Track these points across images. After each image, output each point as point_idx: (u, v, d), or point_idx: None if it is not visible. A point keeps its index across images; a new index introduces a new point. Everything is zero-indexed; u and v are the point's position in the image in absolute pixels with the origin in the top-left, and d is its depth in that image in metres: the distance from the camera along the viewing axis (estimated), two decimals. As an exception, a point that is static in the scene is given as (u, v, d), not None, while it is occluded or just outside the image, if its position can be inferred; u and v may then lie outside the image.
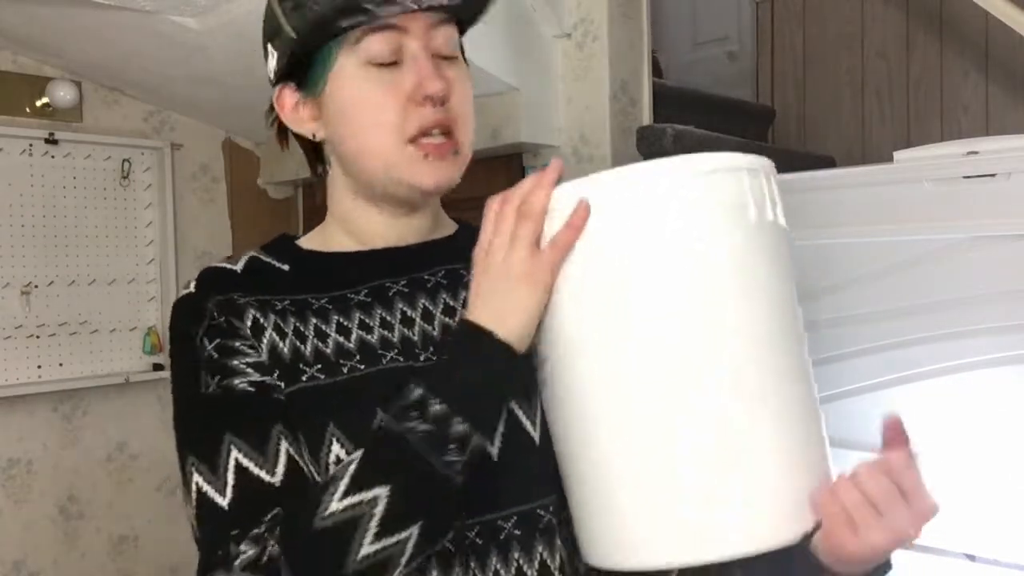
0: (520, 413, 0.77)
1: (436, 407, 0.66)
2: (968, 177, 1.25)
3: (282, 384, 0.73)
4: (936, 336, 1.34)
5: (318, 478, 0.70)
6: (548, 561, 0.76)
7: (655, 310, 0.65)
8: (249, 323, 0.74)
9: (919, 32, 2.34)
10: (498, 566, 0.74)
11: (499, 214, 0.70)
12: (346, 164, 0.80)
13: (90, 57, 2.25)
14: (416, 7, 0.73)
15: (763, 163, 0.71)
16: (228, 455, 0.69)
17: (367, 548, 0.64)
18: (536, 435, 0.77)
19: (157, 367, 2.48)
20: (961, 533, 1.30)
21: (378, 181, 0.78)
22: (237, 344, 0.73)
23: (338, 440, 0.71)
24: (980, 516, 1.28)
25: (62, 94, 2.32)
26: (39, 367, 2.33)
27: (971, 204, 1.26)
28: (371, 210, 0.81)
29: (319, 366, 0.74)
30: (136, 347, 2.51)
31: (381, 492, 0.64)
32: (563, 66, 1.97)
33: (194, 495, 0.70)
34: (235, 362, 0.72)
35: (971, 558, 1.31)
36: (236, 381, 0.72)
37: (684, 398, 0.65)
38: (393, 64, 0.75)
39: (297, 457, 0.71)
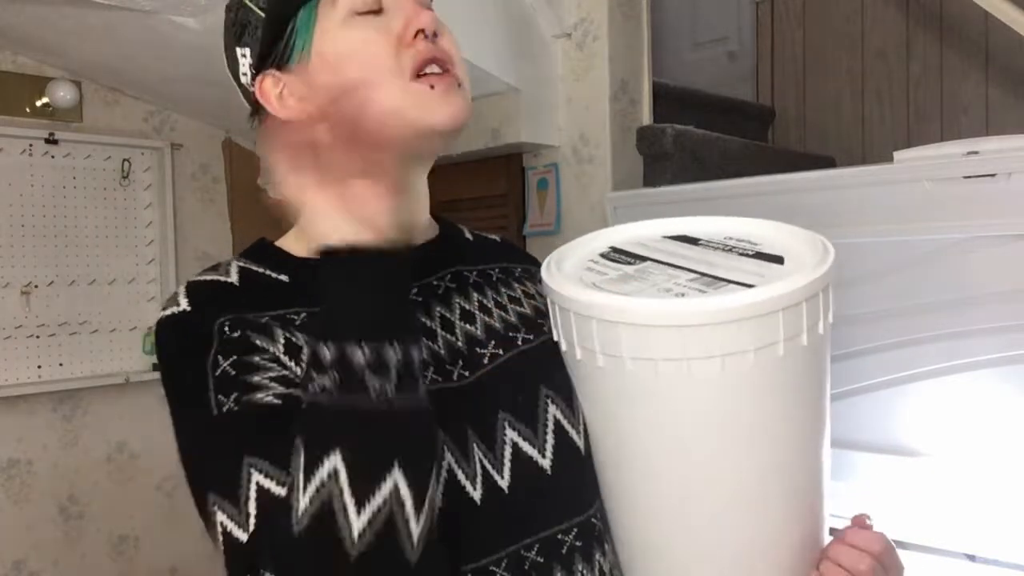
0: (566, 423, 0.76)
1: (327, 353, 0.57)
2: (968, 177, 1.25)
3: None
4: (936, 336, 1.34)
5: None
6: (603, 567, 0.75)
7: (681, 452, 0.70)
8: (282, 343, 0.68)
9: (919, 32, 2.34)
10: None
11: None
12: (352, 130, 0.68)
13: (90, 57, 2.25)
14: None
15: (828, 272, 0.69)
16: (249, 481, 0.60)
17: (357, 523, 0.55)
18: (581, 443, 0.76)
19: (158, 367, 2.48)
20: (961, 533, 1.30)
21: (391, 134, 0.69)
22: (257, 359, 0.66)
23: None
24: (980, 516, 1.28)
25: (62, 94, 2.32)
26: (39, 367, 2.33)
27: (971, 204, 1.26)
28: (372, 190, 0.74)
29: None
30: (136, 347, 2.51)
31: (335, 460, 0.56)
32: (563, 66, 1.97)
33: (220, 537, 0.61)
34: (257, 378, 0.64)
35: (971, 558, 1.31)
36: (259, 395, 0.63)
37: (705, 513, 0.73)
38: (376, 12, 0.73)
39: None
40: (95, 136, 2.42)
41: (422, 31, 0.72)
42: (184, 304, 0.70)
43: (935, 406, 1.35)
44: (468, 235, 0.90)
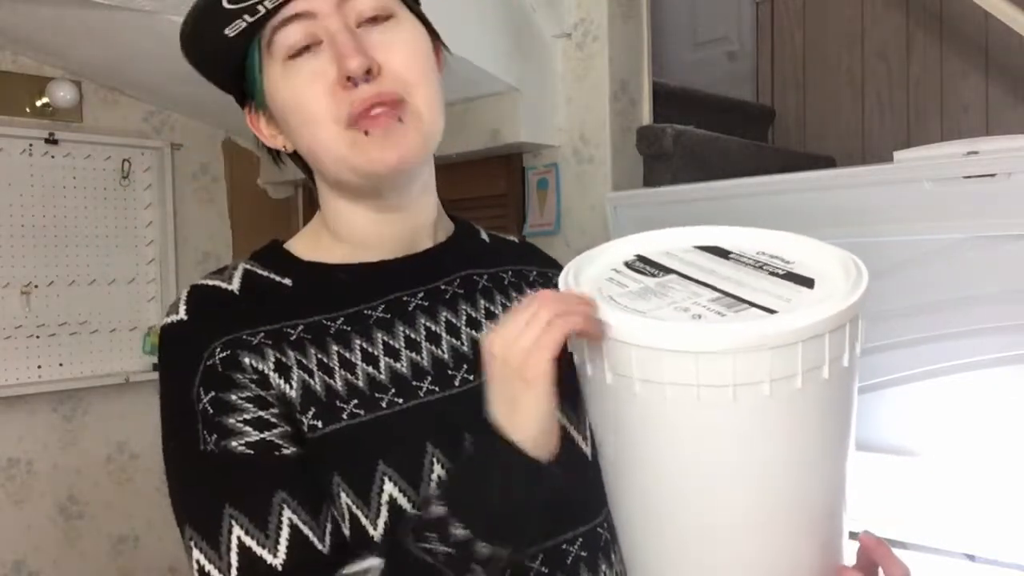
0: (572, 430, 0.75)
1: (458, 531, 0.61)
2: (968, 177, 1.25)
3: (319, 423, 0.68)
4: (936, 336, 1.34)
5: (363, 519, 0.67)
6: None
7: (697, 473, 0.68)
8: (272, 362, 0.69)
9: (919, 32, 2.34)
10: None
11: (525, 303, 0.63)
12: (314, 167, 0.76)
13: (90, 57, 2.25)
14: None
15: (856, 303, 0.64)
16: (230, 532, 0.64)
17: None
18: (588, 450, 0.75)
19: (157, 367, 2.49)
20: (961, 533, 1.30)
21: (341, 177, 0.73)
22: (234, 399, 0.67)
23: (391, 479, 0.67)
24: (980, 516, 1.28)
25: (62, 94, 2.32)
26: (39, 367, 2.33)
27: (971, 204, 1.26)
28: (360, 211, 0.76)
29: (355, 401, 0.69)
30: (136, 347, 2.51)
31: None
32: (563, 66, 1.97)
33: (196, 571, 0.67)
34: (231, 420, 0.66)
35: (971, 558, 1.31)
36: (233, 443, 0.66)
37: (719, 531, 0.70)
38: (316, 48, 0.70)
39: (302, 526, 0.65)
40: (95, 136, 2.42)
41: (352, 76, 0.68)
42: (182, 312, 0.71)
43: (935, 406, 1.35)
44: (484, 236, 0.89)
